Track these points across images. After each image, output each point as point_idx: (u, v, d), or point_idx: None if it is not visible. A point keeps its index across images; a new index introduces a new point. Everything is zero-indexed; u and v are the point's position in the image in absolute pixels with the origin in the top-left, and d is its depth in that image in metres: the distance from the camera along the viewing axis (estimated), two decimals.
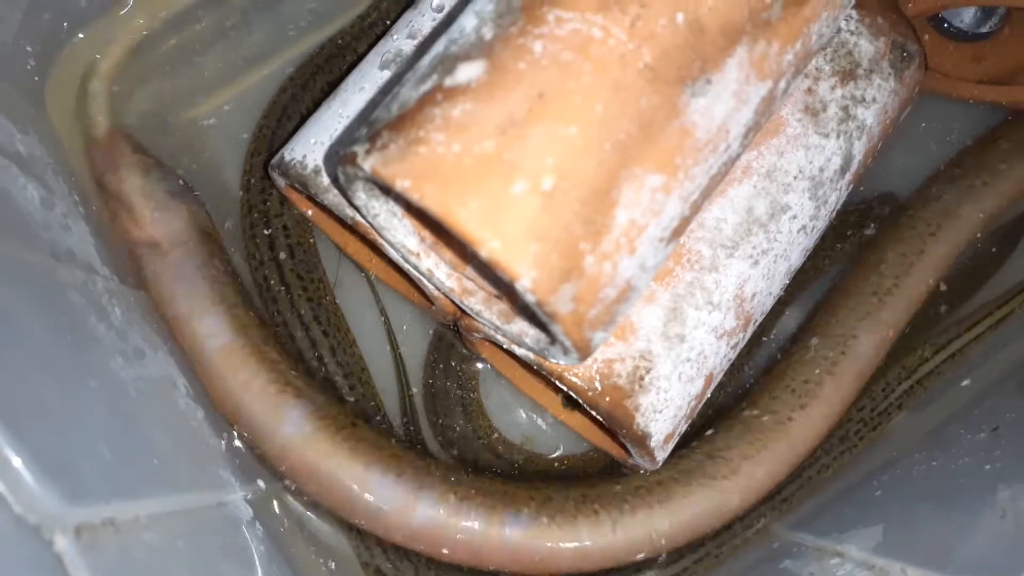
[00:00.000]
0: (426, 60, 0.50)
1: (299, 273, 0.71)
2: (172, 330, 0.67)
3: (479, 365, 0.76)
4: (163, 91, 0.78)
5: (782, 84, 0.53)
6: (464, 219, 0.44)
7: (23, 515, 0.40)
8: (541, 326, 0.51)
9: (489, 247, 0.44)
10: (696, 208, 0.52)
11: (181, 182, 0.72)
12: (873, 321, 0.71)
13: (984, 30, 0.84)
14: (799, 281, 0.77)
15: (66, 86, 0.73)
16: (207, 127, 0.78)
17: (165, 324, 0.67)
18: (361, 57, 0.69)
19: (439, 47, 0.50)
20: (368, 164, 0.46)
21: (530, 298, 0.46)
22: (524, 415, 0.76)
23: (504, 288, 0.54)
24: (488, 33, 0.48)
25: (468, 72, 0.47)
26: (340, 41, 0.79)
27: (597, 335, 0.50)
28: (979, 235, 0.76)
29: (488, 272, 0.52)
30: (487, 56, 0.47)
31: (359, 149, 0.47)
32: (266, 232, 0.71)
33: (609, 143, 0.46)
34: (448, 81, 0.47)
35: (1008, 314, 0.75)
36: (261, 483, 0.67)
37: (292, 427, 0.64)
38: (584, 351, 0.51)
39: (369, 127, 0.48)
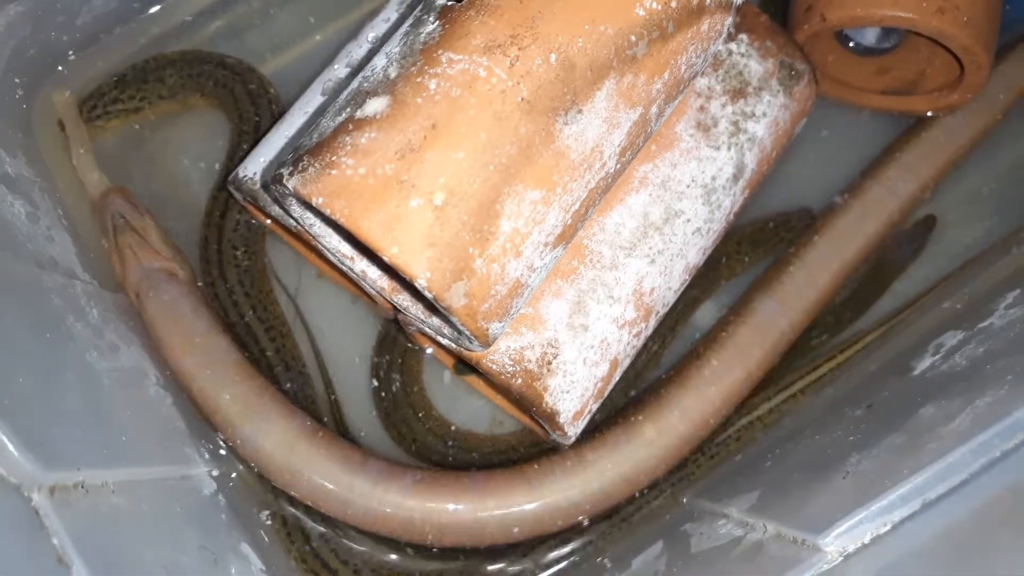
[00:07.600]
0: (344, 95, 0.59)
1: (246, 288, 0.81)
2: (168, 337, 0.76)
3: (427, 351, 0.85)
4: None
5: (654, 109, 0.61)
6: (367, 229, 0.53)
7: (6, 476, 0.50)
8: (446, 319, 0.60)
9: (390, 252, 0.53)
10: (580, 216, 0.60)
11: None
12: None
13: (887, 45, 0.92)
14: (712, 280, 0.86)
15: (50, 112, 0.82)
16: (175, 147, 0.87)
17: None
18: None
19: (355, 84, 0.59)
20: (291, 183, 0.55)
21: (428, 294, 0.55)
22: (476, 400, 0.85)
23: (409, 288, 0.62)
24: (393, 72, 0.56)
25: (375, 106, 0.55)
26: None
27: (493, 325, 0.59)
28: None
29: (395, 274, 0.61)
30: (391, 92, 0.55)
31: (284, 171, 0.56)
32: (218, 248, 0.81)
33: (492, 164, 0.55)
34: (359, 113, 0.56)
35: (844, 361, 0.81)
36: (223, 458, 0.77)
37: None
38: (483, 339, 0.59)
39: (294, 152, 0.57)
